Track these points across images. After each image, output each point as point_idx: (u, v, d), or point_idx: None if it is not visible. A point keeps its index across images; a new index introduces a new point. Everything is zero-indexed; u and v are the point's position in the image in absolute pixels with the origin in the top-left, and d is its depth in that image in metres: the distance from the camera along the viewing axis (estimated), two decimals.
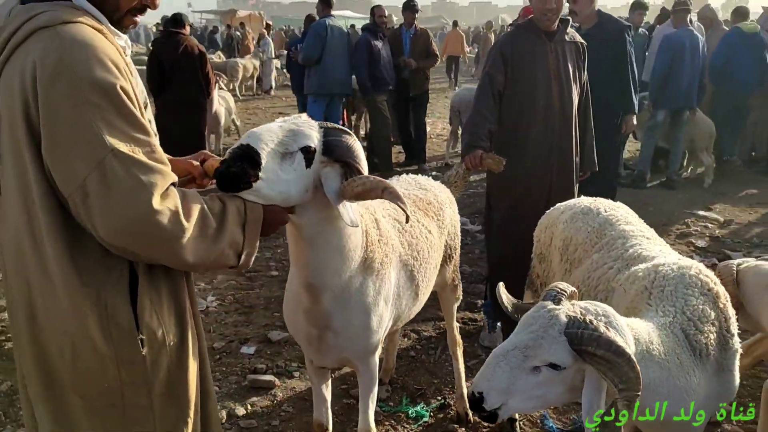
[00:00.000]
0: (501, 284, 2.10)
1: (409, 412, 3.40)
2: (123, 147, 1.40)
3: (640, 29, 8.49)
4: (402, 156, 9.34)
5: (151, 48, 6.46)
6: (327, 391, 2.65)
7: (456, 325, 3.40)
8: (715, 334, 2.04)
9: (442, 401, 3.51)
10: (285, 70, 14.72)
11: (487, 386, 1.73)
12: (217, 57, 17.17)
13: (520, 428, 3.28)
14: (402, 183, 3.06)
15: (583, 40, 3.78)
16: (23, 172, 1.42)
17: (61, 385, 1.52)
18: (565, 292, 1.85)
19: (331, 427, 2.69)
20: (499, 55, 3.61)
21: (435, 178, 3.29)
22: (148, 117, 1.56)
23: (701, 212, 6.94)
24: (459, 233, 3.22)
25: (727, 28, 8.80)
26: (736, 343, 2.11)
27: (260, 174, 1.67)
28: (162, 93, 6.45)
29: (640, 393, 1.66)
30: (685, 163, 8.57)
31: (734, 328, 2.12)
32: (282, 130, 1.79)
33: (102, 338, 1.48)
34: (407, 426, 3.31)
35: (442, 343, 4.03)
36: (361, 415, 2.52)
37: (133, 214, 1.39)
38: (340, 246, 2.08)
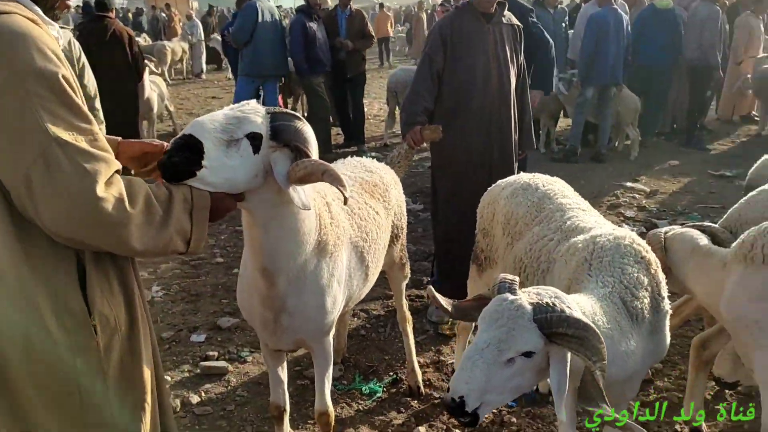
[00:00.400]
0: (431, 287, 2.15)
1: (363, 389, 3.48)
2: (66, 136, 1.39)
3: (558, 5, 8.74)
4: (341, 138, 9.34)
5: (77, 33, 6.15)
6: (283, 374, 2.69)
7: (405, 302, 3.48)
8: (648, 298, 2.19)
9: (394, 376, 3.60)
10: (222, 55, 14.39)
11: (466, 388, 1.75)
12: (143, 40, 16.50)
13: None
14: (348, 166, 3.09)
15: (519, 23, 3.93)
16: None
17: (15, 378, 1.50)
18: (515, 281, 1.90)
19: (288, 408, 2.74)
20: (439, 37, 3.75)
21: (376, 159, 3.35)
22: (97, 106, 1.54)
23: (629, 183, 7.30)
24: (405, 213, 3.29)
25: None
26: (667, 305, 2.27)
27: (204, 162, 1.68)
28: None
29: (606, 360, 1.77)
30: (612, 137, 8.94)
31: (665, 292, 2.28)
32: (227, 117, 1.79)
33: (56, 326, 1.47)
34: (362, 402, 3.39)
35: (391, 321, 4.13)
36: (318, 394, 2.58)
37: (78, 201, 1.38)
38: (294, 230, 2.11)
